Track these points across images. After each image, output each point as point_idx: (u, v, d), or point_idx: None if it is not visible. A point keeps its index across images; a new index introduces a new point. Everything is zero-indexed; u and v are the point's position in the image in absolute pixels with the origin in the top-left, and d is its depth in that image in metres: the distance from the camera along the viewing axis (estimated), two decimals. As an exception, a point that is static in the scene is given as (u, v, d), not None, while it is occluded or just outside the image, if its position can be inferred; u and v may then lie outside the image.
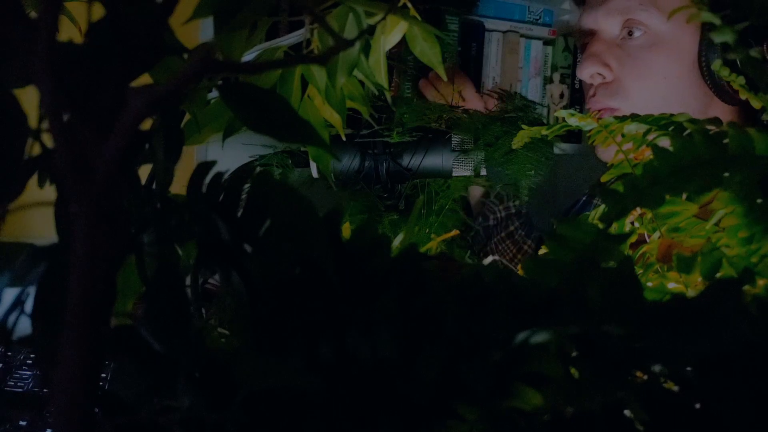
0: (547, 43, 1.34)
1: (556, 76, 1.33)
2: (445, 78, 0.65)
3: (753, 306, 0.21)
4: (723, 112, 0.73)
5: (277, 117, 0.26)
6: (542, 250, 0.31)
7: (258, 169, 0.28)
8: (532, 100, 1.30)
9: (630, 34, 0.74)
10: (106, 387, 0.24)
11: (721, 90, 0.69)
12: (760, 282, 0.31)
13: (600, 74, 0.76)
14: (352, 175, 0.99)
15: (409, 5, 0.61)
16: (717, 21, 0.31)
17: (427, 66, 0.64)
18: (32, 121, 0.24)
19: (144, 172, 0.29)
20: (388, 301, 0.23)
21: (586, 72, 0.78)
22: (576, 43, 0.85)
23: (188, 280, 0.26)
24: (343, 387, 0.22)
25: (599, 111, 0.77)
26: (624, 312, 0.22)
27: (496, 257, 1.02)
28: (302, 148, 1.00)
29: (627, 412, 0.21)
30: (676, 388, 0.21)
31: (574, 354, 0.22)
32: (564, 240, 0.26)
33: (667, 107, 0.73)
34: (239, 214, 0.27)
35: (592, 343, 0.21)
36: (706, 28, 0.68)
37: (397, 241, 0.58)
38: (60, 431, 0.19)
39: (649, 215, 0.39)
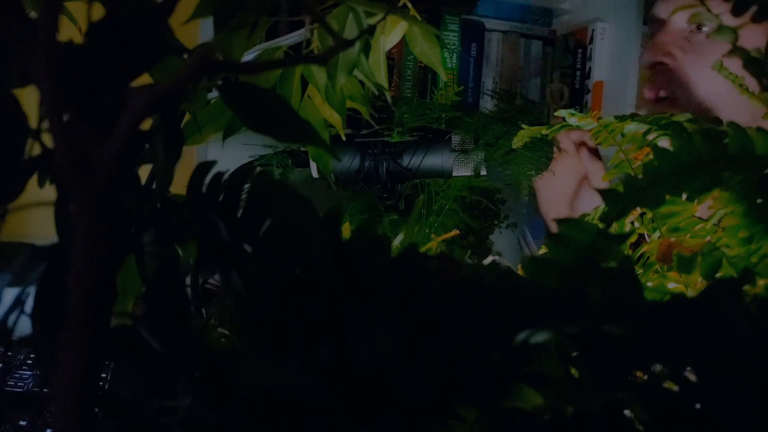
0: (547, 43, 1.34)
1: (556, 76, 1.33)
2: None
3: (753, 306, 0.21)
4: None
5: (277, 117, 0.26)
6: (542, 250, 0.31)
7: (258, 169, 0.28)
8: (532, 99, 1.30)
9: (699, 28, 0.75)
10: (106, 387, 0.24)
11: None
12: (760, 282, 0.31)
13: (661, 63, 0.77)
14: (352, 175, 0.99)
15: (409, 5, 0.61)
16: (717, 21, 0.31)
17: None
18: (32, 121, 0.24)
19: (144, 172, 0.29)
20: (388, 301, 0.23)
21: (647, 58, 0.78)
22: (649, 29, 0.85)
23: (188, 280, 0.26)
24: (343, 387, 0.22)
25: (656, 96, 0.77)
26: (624, 312, 0.22)
27: (496, 257, 1.02)
28: (302, 148, 1.00)
29: (627, 412, 0.21)
30: (676, 388, 0.21)
31: (574, 354, 0.22)
32: (564, 240, 0.26)
33: (722, 105, 0.73)
34: (239, 214, 0.27)
35: (592, 343, 0.21)
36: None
37: (397, 241, 0.58)
38: (60, 431, 0.19)
39: (649, 215, 0.39)
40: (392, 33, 0.61)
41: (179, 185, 0.29)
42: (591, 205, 0.80)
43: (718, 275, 0.33)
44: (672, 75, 0.77)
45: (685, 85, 0.75)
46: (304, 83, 0.60)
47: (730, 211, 0.33)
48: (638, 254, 0.39)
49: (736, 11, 0.30)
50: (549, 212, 0.87)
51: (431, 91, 1.20)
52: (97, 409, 0.21)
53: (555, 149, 0.85)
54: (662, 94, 0.77)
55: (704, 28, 0.74)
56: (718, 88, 0.73)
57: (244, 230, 0.26)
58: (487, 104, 1.27)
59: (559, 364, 0.21)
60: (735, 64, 0.72)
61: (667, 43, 0.77)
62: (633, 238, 0.41)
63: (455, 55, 1.23)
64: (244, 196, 0.28)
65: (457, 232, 0.98)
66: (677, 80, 0.76)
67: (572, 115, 0.47)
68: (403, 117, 1.02)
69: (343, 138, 0.71)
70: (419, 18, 0.60)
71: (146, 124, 0.28)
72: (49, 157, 0.24)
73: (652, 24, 0.83)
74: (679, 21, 0.77)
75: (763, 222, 0.32)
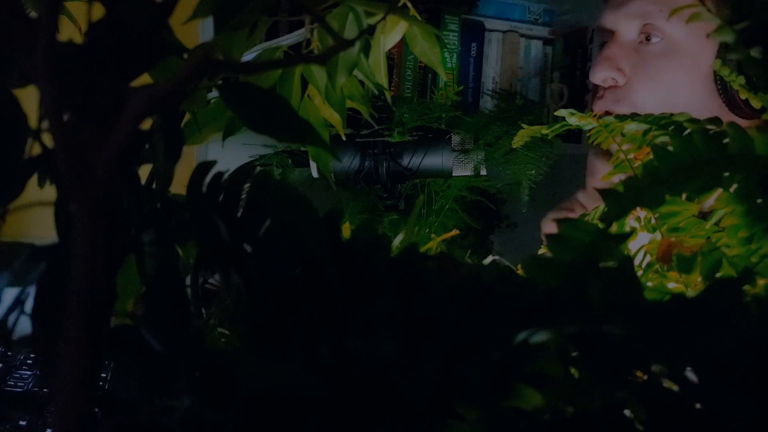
0: (547, 43, 1.34)
1: (556, 76, 1.33)
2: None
3: (753, 306, 0.21)
4: None
5: (277, 117, 0.26)
6: (542, 250, 0.31)
7: (258, 169, 0.28)
8: (532, 99, 1.30)
9: (648, 39, 0.74)
10: (106, 387, 0.24)
11: (734, 104, 0.68)
12: (760, 282, 0.31)
13: (612, 78, 0.76)
14: (352, 175, 0.99)
15: (409, 5, 0.61)
16: (717, 21, 0.31)
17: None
18: (32, 121, 0.24)
19: (144, 172, 0.29)
20: (388, 301, 0.23)
21: (599, 76, 0.77)
22: (597, 41, 0.84)
23: (188, 280, 0.26)
24: (343, 387, 0.22)
25: (604, 113, 0.76)
26: (624, 312, 0.22)
27: (496, 257, 1.02)
28: (302, 148, 1.00)
29: (627, 412, 0.21)
30: (676, 388, 0.21)
31: (574, 354, 0.22)
32: (564, 240, 0.26)
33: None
34: (239, 214, 0.27)
35: (592, 343, 0.21)
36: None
37: (397, 241, 0.58)
38: (60, 431, 0.19)
39: (649, 215, 0.39)
40: (392, 33, 0.61)
41: (179, 185, 0.29)
42: None
43: (718, 275, 0.33)
44: (620, 91, 0.75)
45: (633, 102, 0.74)
46: (304, 83, 0.60)
47: (730, 211, 0.33)
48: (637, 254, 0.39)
49: (736, 16, 0.30)
50: None
51: (431, 91, 1.20)
52: (97, 409, 0.21)
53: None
54: (609, 109, 0.76)
55: (653, 40, 0.73)
56: (668, 107, 0.73)
57: (244, 230, 0.26)
58: (487, 104, 1.27)
59: (559, 364, 0.21)
60: (685, 79, 0.71)
61: (616, 56, 0.76)
62: (633, 238, 0.41)
63: (455, 55, 1.23)
64: (244, 196, 0.28)
65: (457, 232, 0.97)
66: (626, 97, 0.75)
67: (572, 114, 0.47)
68: (403, 117, 1.03)
69: (343, 138, 0.71)
70: (419, 18, 0.60)
71: (146, 124, 0.28)
72: (49, 157, 0.24)
73: (600, 34, 0.82)
74: (628, 32, 0.76)
75: (763, 222, 0.32)
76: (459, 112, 1.06)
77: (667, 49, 0.73)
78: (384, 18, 0.57)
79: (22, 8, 0.21)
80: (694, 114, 0.73)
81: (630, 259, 0.24)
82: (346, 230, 0.26)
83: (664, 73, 0.73)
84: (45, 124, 0.23)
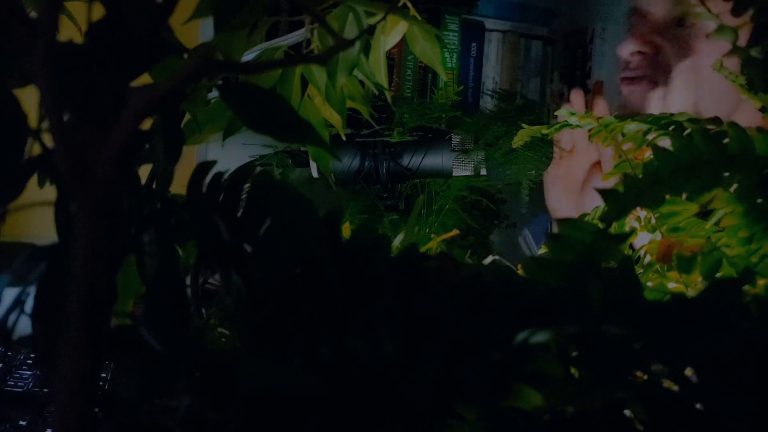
0: (547, 43, 1.34)
1: (556, 76, 1.33)
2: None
3: (753, 306, 0.21)
4: (754, 116, 0.73)
5: (277, 117, 0.26)
6: (542, 250, 0.31)
7: (258, 169, 0.28)
8: (532, 99, 1.30)
9: (679, 24, 0.75)
10: (106, 387, 0.24)
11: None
12: (760, 282, 0.31)
13: (641, 52, 0.77)
14: (352, 175, 0.99)
15: (409, 5, 0.61)
16: (717, 20, 0.31)
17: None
18: (32, 121, 0.24)
19: (144, 172, 0.29)
20: (388, 301, 0.23)
21: (627, 49, 0.78)
22: (627, 24, 0.85)
23: (188, 280, 0.26)
24: (343, 387, 0.22)
25: (640, 78, 0.77)
26: (624, 312, 0.22)
27: (496, 257, 1.02)
28: (302, 148, 1.00)
29: (627, 412, 0.21)
30: (676, 388, 0.21)
31: (574, 354, 0.22)
32: (564, 240, 0.26)
33: (700, 98, 0.73)
34: (239, 214, 0.27)
35: (592, 343, 0.21)
36: (754, 32, 0.68)
37: (397, 241, 0.58)
38: (60, 431, 0.19)
39: (649, 215, 0.39)
40: (392, 33, 0.61)
41: (179, 185, 0.29)
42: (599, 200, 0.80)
43: (718, 275, 0.33)
44: (654, 57, 0.77)
45: (666, 69, 0.75)
46: (304, 83, 0.60)
47: (730, 211, 0.33)
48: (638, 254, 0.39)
49: (736, 11, 0.30)
50: (556, 206, 0.87)
51: (431, 91, 1.20)
52: (97, 409, 0.21)
53: (558, 147, 0.85)
54: (644, 74, 0.77)
55: (685, 24, 0.74)
56: (694, 84, 0.74)
57: (244, 230, 0.26)
58: (487, 104, 1.27)
59: (559, 364, 0.21)
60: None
61: (647, 33, 0.77)
62: (633, 238, 0.41)
63: (455, 55, 1.23)
64: (244, 196, 0.28)
65: (457, 232, 0.97)
66: (660, 64, 0.76)
67: (572, 114, 0.47)
68: (403, 117, 1.03)
69: (343, 138, 0.71)
70: (419, 18, 0.61)
71: (146, 124, 0.28)
72: (49, 157, 0.24)
73: (632, 17, 0.83)
74: (660, 16, 0.77)
75: (763, 222, 0.32)
76: (459, 112, 1.06)
77: (697, 33, 0.73)
78: (384, 18, 0.57)
79: (22, 8, 0.21)
80: (716, 97, 0.74)
81: (630, 259, 0.24)
82: (346, 230, 0.26)
83: (693, 50, 0.73)
84: (45, 124, 0.23)
